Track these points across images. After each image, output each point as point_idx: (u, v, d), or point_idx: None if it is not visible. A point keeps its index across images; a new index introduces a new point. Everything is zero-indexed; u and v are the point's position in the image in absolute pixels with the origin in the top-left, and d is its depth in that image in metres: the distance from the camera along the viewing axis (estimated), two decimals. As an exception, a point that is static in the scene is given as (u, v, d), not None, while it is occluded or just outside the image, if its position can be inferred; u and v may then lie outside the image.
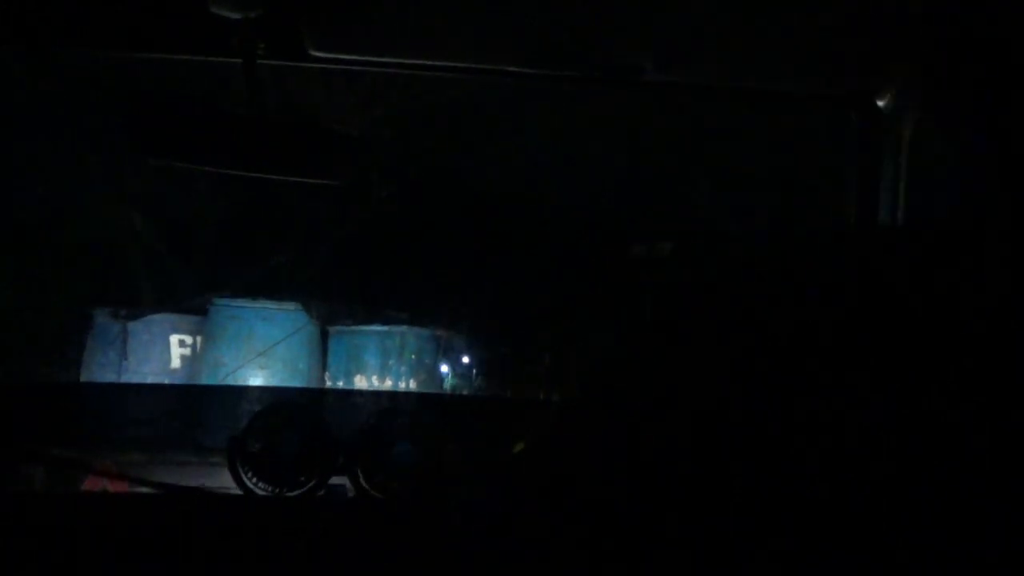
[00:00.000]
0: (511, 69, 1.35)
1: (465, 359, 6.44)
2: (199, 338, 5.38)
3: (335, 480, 1.49)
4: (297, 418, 1.50)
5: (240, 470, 1.46)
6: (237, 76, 1.25)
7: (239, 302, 5.38)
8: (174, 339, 5.35)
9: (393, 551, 1.23)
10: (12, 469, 1.35)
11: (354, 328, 5.62)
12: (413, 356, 5.65)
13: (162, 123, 1.24)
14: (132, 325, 5.31)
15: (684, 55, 1.29)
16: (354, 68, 1.40)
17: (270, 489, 1.45)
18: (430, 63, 1.36)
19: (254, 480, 1.45)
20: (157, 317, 5.43)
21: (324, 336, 5.57)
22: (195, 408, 1.62)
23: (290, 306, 5.41)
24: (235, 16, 1.16)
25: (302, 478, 1.47)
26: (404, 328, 5.69)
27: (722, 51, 1.26)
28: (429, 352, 5.81)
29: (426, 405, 1.60)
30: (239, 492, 1.44)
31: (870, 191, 1.32)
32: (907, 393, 0.55)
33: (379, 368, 5.51)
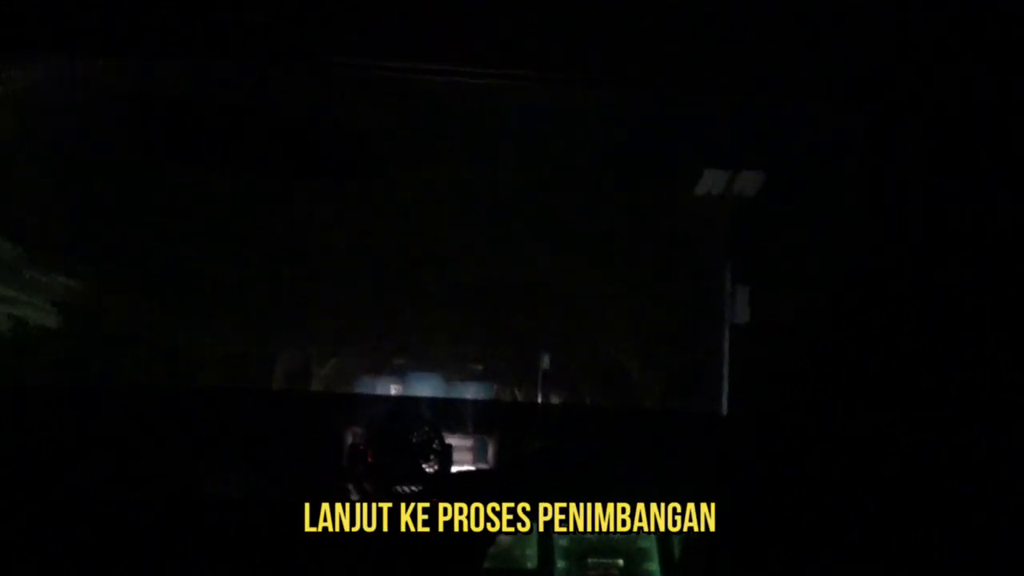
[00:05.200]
0: (513, 71, 1.36)
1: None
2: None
3: (339, 482, 1.50)
4: (303, 420, 1.50)
5: (248, 472, 1.46)
6: (241, 78, 1.26)
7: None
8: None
9: (396, 552, 1.23)
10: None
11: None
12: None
13: (166, 125, 1.24)
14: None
15: (683, 56, 1.29)
16: (358, 70, 1.41)
17: (275, 491, 1.45)
18: (433, 66, 1.36)
19: (260, 481, 1.45)
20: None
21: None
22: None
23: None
24: (239, 19, 1.17)
25: (306, 480, 1.47)
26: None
27: (723, 52, 1.27)
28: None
29: (433, 407, 1.60)
30: (242, 494, 1.44)
31: (871, 191, 1.33)
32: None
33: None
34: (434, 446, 1.51)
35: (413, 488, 1.49)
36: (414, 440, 1.51)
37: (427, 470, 1.50)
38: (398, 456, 1.50)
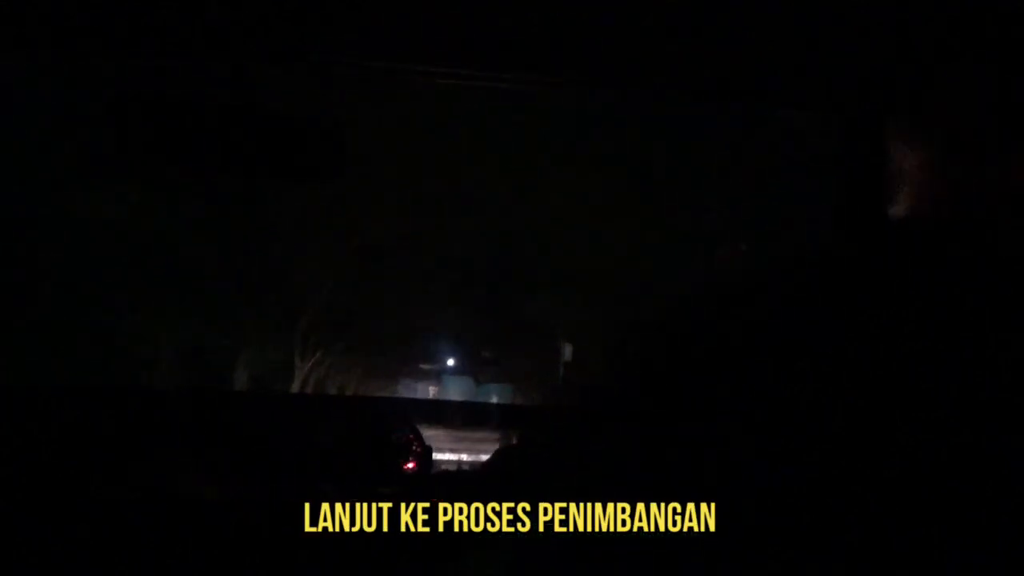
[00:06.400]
0: (507, 74, 1.36)
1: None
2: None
3: (319, 482, 1.50)
4: (295, 423, 1.50)
5: (240, 473, 1.46)
6: (231, 77, 1.26)
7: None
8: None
9: (392, 553, 1.23)
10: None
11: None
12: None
13: (156, 124, 1.24)
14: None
15: (683, 58, 1.30)
16: (357, 70, 1.40)
17: (268, 492, 1.45)
18: (426, 67, 1.36)
19: (253, 482, 1.45)
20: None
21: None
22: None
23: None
24: (230, 17, 1.17)
25: (299, 480, 1.47)
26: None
27: (717, 56, 1.27)
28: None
29: (426, 409, 1.60)
30: (235, 496, 1.44)
31: (861, 195, 1.33)
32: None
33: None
34: (414, 447, 1.51)
35: (393, 488, 1.49)
36: (393, 440, 1.51)
37: (406, 470, 1.50)
38: (377, 456, 1.50)
